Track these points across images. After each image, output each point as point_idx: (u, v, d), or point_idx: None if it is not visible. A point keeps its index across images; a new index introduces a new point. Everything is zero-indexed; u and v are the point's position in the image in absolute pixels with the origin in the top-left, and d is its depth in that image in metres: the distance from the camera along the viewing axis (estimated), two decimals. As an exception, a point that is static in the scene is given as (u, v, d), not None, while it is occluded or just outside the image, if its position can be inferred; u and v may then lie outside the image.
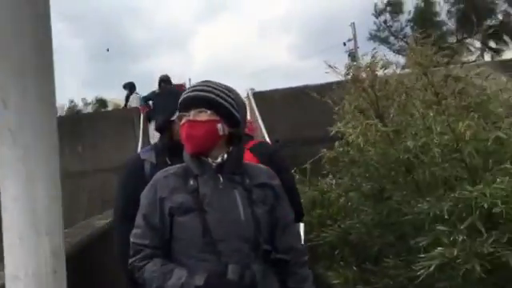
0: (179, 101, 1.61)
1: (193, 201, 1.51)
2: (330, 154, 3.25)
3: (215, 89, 1.58)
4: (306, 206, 3.46)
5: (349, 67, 3.35)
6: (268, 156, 2.24)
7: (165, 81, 6.76)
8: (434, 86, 2.62)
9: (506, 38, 16.55)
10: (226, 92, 1.60)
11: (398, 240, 2.83)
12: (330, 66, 3.09)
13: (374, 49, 3.48)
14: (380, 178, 3.10)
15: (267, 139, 5.58)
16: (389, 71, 3.42)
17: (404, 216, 2.68)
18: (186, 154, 1.59)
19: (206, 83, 1.61)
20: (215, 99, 1.57)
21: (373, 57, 3.22)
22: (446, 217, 2.25)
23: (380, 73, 3.32)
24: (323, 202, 3.60)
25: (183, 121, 1.58)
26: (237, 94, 1.64)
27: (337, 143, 3.37)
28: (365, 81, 3.17)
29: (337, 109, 3.33)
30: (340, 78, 3.48)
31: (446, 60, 3.04)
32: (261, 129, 5.91)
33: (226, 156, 1.57)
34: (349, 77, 3.29)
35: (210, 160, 1.56)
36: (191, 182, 1.54)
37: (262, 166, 1.71)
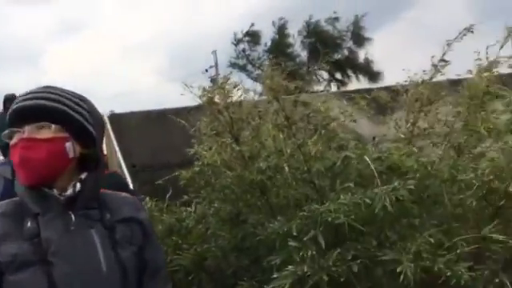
0: (8, 112, 1.19)
1: (32, 250, 1.13)
2: (186, 173, 3.14)
3: (61, 96, 1.21)
4: (162, 235, 3.29)
5: (204, 89, 3.33)
6: (119, 190, 2.02)
7: (11, 100, 6.05)
8: (285, 111, 2.72)
9: (349, 71, 18.54)
10: (77, 101, 1.23)
11: (254, 263, 2.82)
12: (185, 85, 3.02)
13: (230, 73, 3.53)
14: (237, 201, 3.10)
15: (123, 165, 5.28)
16: (245, 96, 3.50)
17: (258, 239, 2.70)
18: (20, 186, 1.19)
19: (48, 89, 1.22)
20: (62, 109, 1.19)
21: (226, 79, 3.25)
22: (294, 234, 2.31)
23: (236, 97, 3.37)
24: (180, 229, 3.46)
25: (15, 139, 1.18)
26: (91, 104, 1.27)
27: (195, 164, 3.31)
28: (220, 103, 3.17)
29: (193, 130, 3.27)
30: (199, 101, 3.46)
31: (295, 87, 3.19)
32: (116, 154, 5.58)
33: (78, 186, 1.20)
34: (204, 99, 3.27)
35: (55, 192, 1.18)
36: (29, 224, 1.14)
37: (125, 195, 1.36)
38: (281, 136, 2.84)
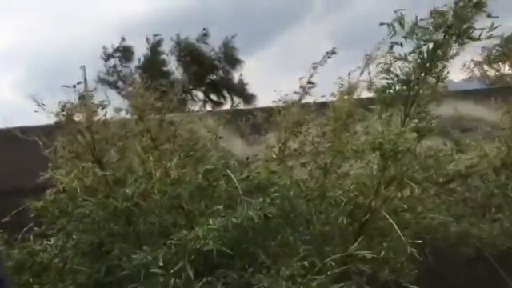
0: None
1: None
2: (36, 204, 2.76)
3: None
4: (9, 273, 2.83)
5: (63, 106, 2.99)
6: None
7: None
8: (150, 131, 2.56)
9: (225, 92, 18.78)
10: None
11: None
12: (37, 102, 2.66)
13: (94, 89, 3.21)
14: (99, 231, 2.80)
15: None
16: (115, 115, 3.24)
17: (123, 271, 2.46)
18: None
19: None
20: None
21: (91, 95, 2.96)
22: (160, 264, 2.17)
23: (101, 115, 3.09)
24: (33, 265, 3.01)
25: None
26: None
27: (48, 191, 2.93)
28: (81, 122, 2.87)
29: (47, 151, 2.90)
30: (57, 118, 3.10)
31: (167, 106, 3.03)
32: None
33: None
34: (63, 116, 2.93)
35: None
36: None
37: None
38: (150, 158, 2.64)
